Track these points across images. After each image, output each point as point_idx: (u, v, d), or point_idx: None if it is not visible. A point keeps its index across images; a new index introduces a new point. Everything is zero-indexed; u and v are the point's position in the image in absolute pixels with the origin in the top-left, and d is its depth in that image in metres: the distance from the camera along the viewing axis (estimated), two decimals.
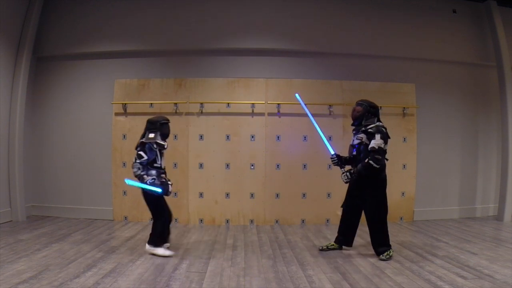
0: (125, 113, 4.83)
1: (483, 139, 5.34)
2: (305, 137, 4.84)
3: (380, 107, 4.89)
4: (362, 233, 4.10)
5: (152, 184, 3.16)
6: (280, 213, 4.79)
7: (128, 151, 4.81)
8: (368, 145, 3.14)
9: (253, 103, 4.77)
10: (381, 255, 3.19)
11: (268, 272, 2.87)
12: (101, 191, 4.87)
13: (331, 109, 4.82)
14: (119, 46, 4.88)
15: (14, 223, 4.50)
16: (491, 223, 4.85)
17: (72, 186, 4.93)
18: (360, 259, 3.22)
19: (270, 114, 4.83)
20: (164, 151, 3.33)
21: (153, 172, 3.22)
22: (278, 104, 4.77)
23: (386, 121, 4.91)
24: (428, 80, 5.15)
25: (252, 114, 4.81)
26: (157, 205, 3.29)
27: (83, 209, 4.87)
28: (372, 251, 3.32)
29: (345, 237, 3.45)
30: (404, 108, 4.96)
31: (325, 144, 3.50)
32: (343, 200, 3.46)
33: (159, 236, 3.27)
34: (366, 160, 3.09)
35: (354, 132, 3.35)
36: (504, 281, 2.66)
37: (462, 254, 3.35)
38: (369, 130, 3.13)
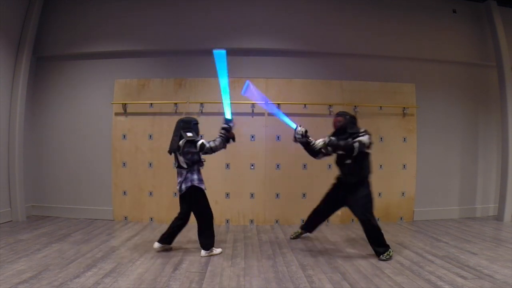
0: (125, 113, 4.83)
1: (483, 139, 5.34)
2: None
3: (381, 107, 4.98)
4: (362, 233, 4.11)
5: (225, 132, 3.32)
6: (280, 213, 4.79)
7: (128, 151, 4.82)
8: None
9: (253, 103, 4.77)
10: (381, 256, 3.20)
11: (268, 272, 2.87)
12: (101, 191, 4.87)
13: (331, 109, 4.82)
14: (119, 46, 4.88)
15: (14, 223, 4.50)
16: (491, 223, 4.85)
17: (72, 186, 4.93)
18: (360, 259, 3.22)
19: (270, 114, 4.82)
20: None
21: (199, 168, 3.28)
22: (278, 104, 4.77)
23: (386, 121, 5.00)
24: (428, 80, 5.15)
25: (252, 114, 4.81)
26: (207, 204, 3.31)
27: (83, 209, 4.88)
28: (372, 251, 3.33)
29: (310, 223, 3.82)
30: (404, 108, 4.96)
31: (287, 122, 3.61)
32: (320, 203, 3.71)
33: (213, 235, 3.32)
34: (351, 142, 3.16)
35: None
36: (504, 281, 2.67)
37: (462, 254, 3.35)
38: (361, 134, 3.22)
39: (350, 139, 3.21)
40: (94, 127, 4.92)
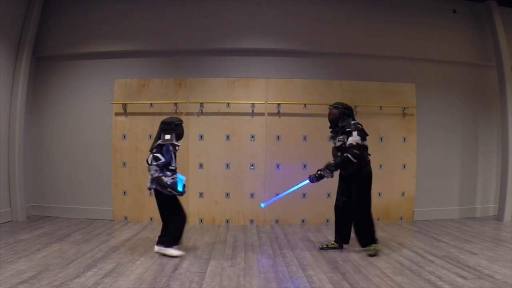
0: (125, 113, 4.83)
1: (483, 139, 5.34)
2: (305, 137, 4.84)
3: (381, 107, 4.98)
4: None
5: (173, 183, 3.13)
6: (280, 213, 4.79)
7: (128, 151, 4.82)
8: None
9: (253, 103, 4.76)
10: (365, 249, 3.30)
11: (268, 272, 2.87)
12: (101, 191, 4.87)
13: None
14: (119, 46, 4.87)
15: (14, 223, 4.50)
16: (491, 223, 4.85)
17: (72, 186, 4.93)
18: (360, 259, 3.22)
19: (270, 114, 4.83)
20: (177, 152, 3.31)
21: (168, 173, 3.19)
22: (278, 104, 4.77)
23: (386, 121, 4.99)
24: (428, 80, 5.15)
25: (252, 114, 4.81)
26: (172, 207, 3.27)
27: (83, 209, 4.87)
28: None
29: (342, 236, 3.51)
30: (404, 108, 4.96)
31: (299, 187, 3.64)
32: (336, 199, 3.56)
33: (173, 238, 3.25)
34: (344, 154, 3.21)
35: (333, 135, 3.48)
36: (504, 281, 2.66)
37: (462, 254, 3.35)
38: (347, 129, 3.27)
39: (339, 133, 3.30)
40: (94, 127, 4.92)
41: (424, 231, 4.37)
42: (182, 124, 3.33)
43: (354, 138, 3.19)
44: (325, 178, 3.38)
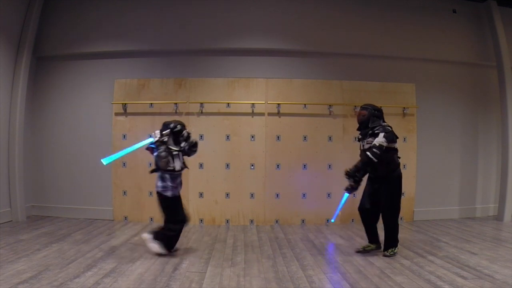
0: (125, 113, 4.83)
1: (483, 139, 5.34)
2: (305, 137, 4.83)
3: (380, 107, 4.96)
4: (363, 234, 4.10)
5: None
6: (280, 213, 4.79)
7: None
8: None
9: (253, 103, 4.76)
10: (385, 252, 3.25)
11: (268, 272, 2.87)
12: (101, 191, 4.87)
13: (331, 109, 4.82)
14: (119, 46, 4.87)
15: (14, 223, 4.50)
16: (491, 223, 4.85)
17: (72, 186, 4.93)
18: (360, 259, 3.22)
19: (270, 114, 4.82)
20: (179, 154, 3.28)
21: (167, 175, 3.19)
22: (278, 104, 4.77)
23: (386, 121, 4.95)
24: (428, 80, 5.15)
25: (252, 114, 4.81)
26: (173, 210, 3.26)
27: (83, 209, 4.87)
28: (372, 251, 3.33)
29: (374, 235, 3.44)
30: (404, 108, 4.96)
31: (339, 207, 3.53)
32: (361, 200, 3.45)
33: (166, 239, 3.22)
34: (365, 156, 3.15)
35: (361, 136, 3.37)
36: (504, 281, 2.66)
37: (462, 254, 3.35)
38: (376, 131, 3.19)
39: (369, 135, 3.23)
40: (94, 127, 4.92)
41: (424, 231, 4.37)
42: (184, 129, 3.29)
43: (379, 140, 3.12)
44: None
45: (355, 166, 3.21)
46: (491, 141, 5.37)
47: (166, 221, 3.28)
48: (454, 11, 5.22)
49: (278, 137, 4.82)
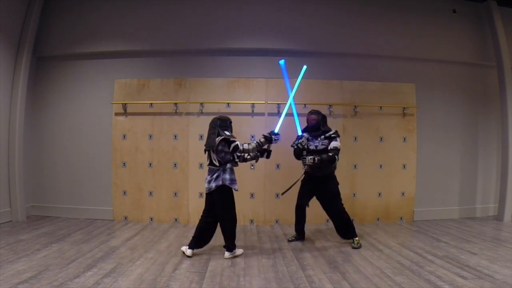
0: (125, 113, 4.83)
1: (483, 139, 5.34)
2: None
3: (381, 107, 4.98)
4: (363, 233, 4.12)
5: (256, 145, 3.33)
6: (280, 213, 4.79)
7: (128, 151, 4.82)
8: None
9: (253, 103, 4.76)
10: (349, 240, 3.63)
11: (268, 272, 2.87)
12: (101, 191, 4.87)
13: (331, 109, 4.82)
14: (119, 46, 4.87)
15: (14, 223, 4.50)
16: (491, 223, 4.85)
17: (72, 186, 4.93)
18: (360, 259, 3.22)
19: (270, 114, 4.82)
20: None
21: (233, 168, 3.28)
22: (278, 104, 4.77)
23: (386, 121, 5.00)
24: (428, 80, 5.15)
25: (252, 114, 4.81)
26: (233, 204, 3.30)
27: (83, 209, 4.87)
28: (372, 251, 3.34)
29: (302, 231, 3.93)
30: (404, 108, 4.96)
31: (296, 123, 3.81)
32: (298, 199, 3.88)
33: (235, 237, 3.30)
34: (331, 154, 3.56)
35: (310, 137, 3.75)
36: (504, 281, 2.67)
37: (462, 254, 3.35)
38: (332, 135, 3.65)
39: (322, 138, 3.66)
40: (94, 127, 4.92)
41: (424, 231, 4.37)
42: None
43: (338, 144, 3.60)
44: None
45: (322, 159, 3.54)
46: (491, 141, 5.37)
47: (225, 218, 3.27)
48: (454, 11, 5.22)
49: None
